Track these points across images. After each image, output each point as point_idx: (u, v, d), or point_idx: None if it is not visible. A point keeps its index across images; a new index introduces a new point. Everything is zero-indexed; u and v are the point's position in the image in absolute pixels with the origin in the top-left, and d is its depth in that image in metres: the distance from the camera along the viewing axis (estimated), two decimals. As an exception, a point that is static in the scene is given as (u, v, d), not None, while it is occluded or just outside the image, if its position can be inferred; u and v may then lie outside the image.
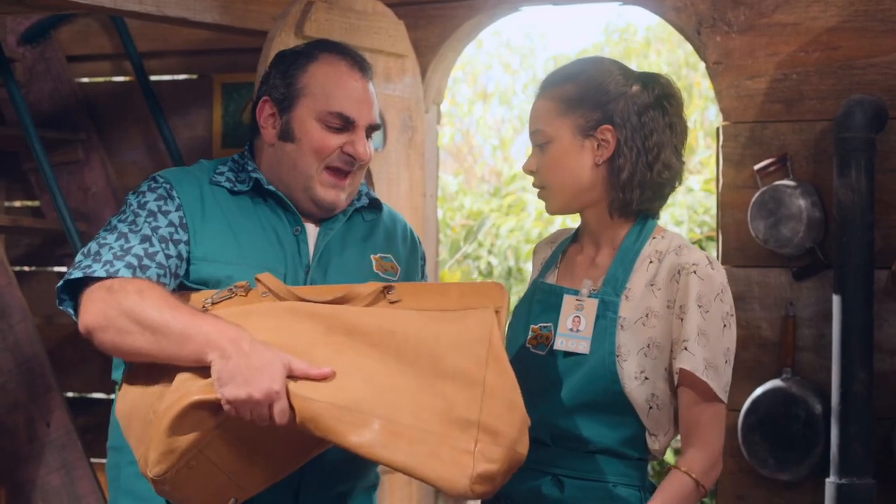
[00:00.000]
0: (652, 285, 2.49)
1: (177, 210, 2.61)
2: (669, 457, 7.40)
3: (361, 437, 2.31)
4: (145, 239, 2.55)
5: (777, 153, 3.81)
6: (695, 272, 2.46)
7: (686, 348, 2.45)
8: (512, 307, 2.71)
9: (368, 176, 4.03)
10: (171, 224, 2.59)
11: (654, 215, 2.58)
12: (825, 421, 3.67)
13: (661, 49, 10.37)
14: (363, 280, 2.59)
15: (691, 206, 7.83)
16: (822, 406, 3.69)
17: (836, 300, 3.62)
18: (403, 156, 4.23)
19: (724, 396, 2.49)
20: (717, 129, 3.94)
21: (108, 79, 4.96)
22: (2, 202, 5.03)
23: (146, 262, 2.52)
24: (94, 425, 4.56)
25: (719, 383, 2.47)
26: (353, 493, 2.69)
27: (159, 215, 2.60)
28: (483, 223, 7.87)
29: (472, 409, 2.35)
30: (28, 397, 4.09)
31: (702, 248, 7.61)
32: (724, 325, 2.48)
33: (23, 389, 4.07)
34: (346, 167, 2.66)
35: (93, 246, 2.55)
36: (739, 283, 3.85)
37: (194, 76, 4.82)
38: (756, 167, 3.81)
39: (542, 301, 2.59)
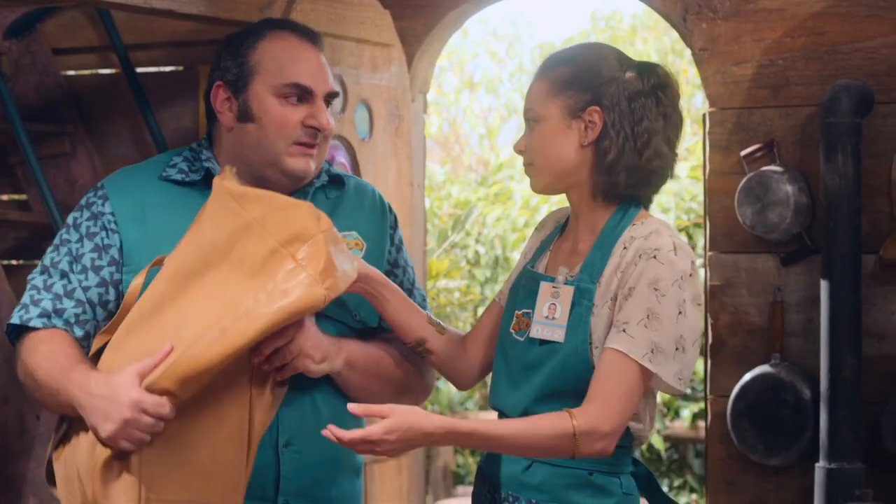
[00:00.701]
0: (617, 269, 2.48)
1: (102, 230, 2.63)
2: (657, 441, 7.42)
3: (225, 341, 2.36)
4: (64, 275, 2.61)
5: (764, 139, 3.81)
6: (655, 257, 2.43)
7: (625, 330, 2.41)
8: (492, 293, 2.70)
9: (355, 165, 4.03)
10: (95, 248, 2.62)
11: (641, 203, 2.58)
12: (814, 406, 3.68)
13: (647, 36, 10.38)
14: None
15: (678, 193, 7.85)
16: (811, 391, 3.70)
17: (823, 285, 3.63)
18: (390, 145, 4.22)
19: (678, 385, 2.44)
20: (704, 115, 3.94)
21: (94, 71, 4.94)
22: (-11, 196, 5.02)
23: (62, 303, 2.59)
24: (84, 418, 4.55)
25: (668, 370, 2.42)
26: (336, 480, 2.68)
27: (86, 240, 2.64)
28: (470, 212, 7.87)
29: (266, 244, 2.43)
30: (18, 391, 4.08)
31: (689, 235, 7.65)
32: (680, 312, 2.43)
33: (12, 384, 4.05)
34: (311, 140, 2.64)
35: (28, 284, 2.63)
36: (727, 269, 3.86)
37: (180, 68, 4.80)
38: (743, 153, 3.82)
39: (527, 287, 2.60)
